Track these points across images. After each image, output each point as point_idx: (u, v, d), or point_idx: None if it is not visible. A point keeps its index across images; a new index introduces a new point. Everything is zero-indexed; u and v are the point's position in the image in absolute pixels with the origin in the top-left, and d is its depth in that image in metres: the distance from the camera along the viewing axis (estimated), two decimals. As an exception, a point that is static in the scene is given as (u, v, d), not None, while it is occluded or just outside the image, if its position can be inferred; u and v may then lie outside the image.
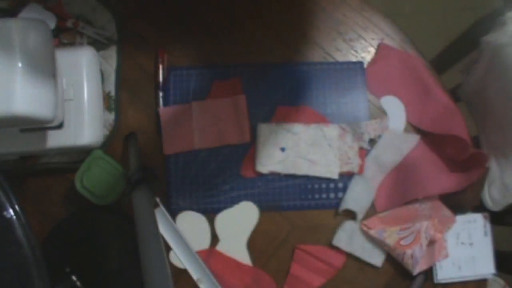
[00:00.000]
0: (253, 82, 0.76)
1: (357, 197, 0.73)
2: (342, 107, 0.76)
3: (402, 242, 0.70)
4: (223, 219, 0.73)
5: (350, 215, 0.73)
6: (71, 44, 0.76)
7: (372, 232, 0.71)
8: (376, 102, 0.76)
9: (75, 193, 0.69)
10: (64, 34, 0.76)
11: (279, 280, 0.73)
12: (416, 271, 0.70)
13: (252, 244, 0.73)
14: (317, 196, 0.74)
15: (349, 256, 0.73)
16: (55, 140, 0.69)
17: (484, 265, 0.73)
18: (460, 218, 0.73)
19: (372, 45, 0.78)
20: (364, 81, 0.76)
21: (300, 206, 0.74)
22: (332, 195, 0.74)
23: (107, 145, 0.74)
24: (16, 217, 0.47)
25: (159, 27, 0.78)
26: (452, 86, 0.90)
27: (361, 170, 0.73)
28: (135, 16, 0.78)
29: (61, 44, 0.76)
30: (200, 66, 0.77)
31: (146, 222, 0.54)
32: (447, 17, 1.63)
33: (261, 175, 0.74)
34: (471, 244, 0.73)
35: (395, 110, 0.76)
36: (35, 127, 0.67)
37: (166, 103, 0.76)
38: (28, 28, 0.56)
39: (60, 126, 0.68)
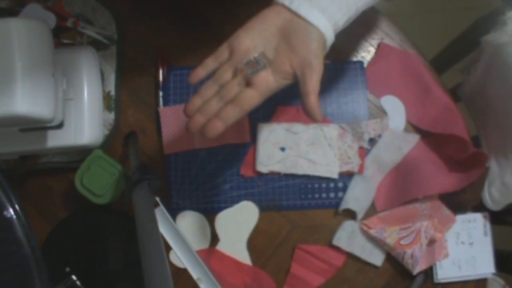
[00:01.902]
0: (253, 82, 0.76)
1: (357, 197, 0.73)
2: (342, 107, 0.76)
3: (402, 242, 0.70)
4: (223, 218, 0.73)
5: (350, 214, 0.73)
6: (71, 44, 0.76)
7: (372, 232, 0.71)
8: (376, 102, 0.76)
9: (75, 193, 0.69)
10: (64, 34, 0.76)
11: (279, 280, 0.73)
12: (416, 270, 0.70)
13: (252, 244, 0.73)
14: (317, 195, 0.74)
15: (349, 255, 0.73)
16: (55, 139, 0.69)
17: (484, 264, 0.73)
18: (460, 218, 0.73)
19: (372, 45, 0.78)
20: (364, 80, 0.76)
21: (300, 206, 0.74)
22: (332, 195, 0.74)
23: (107, 145, 0.74)
24: (16, 217, 0.47)
25: (159, 27, 0.78)
26: (452, 86, 0.90)
27: (361, 170, 0.73)
28: (135, 16, 0.78)
29: (61, 44, 0.76)
30: (200, 66, 0.77)
31: (146, 221, 0.54)
32: (447, 17, 1.63)
33: (261, 174, 0.74)
34: (471, 243, 0.73)
35: (395, 110, 0.76)
36: (35, 127, 0.67)
37: (166, 103, 0.76)
38: (28, 28, 0.56)
39: (60, 126, 0.68)
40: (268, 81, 0.51)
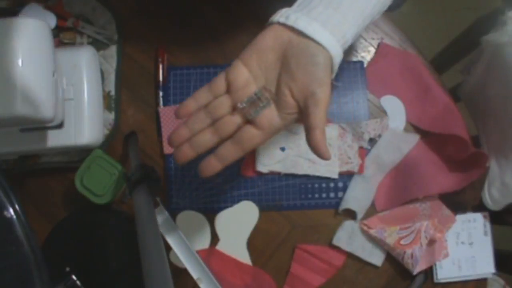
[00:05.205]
0: (253, 82, 0.76)
1: (357, 197, 0.73)
2: (342, 107, 0.76)
3: (402, 242, 0.70)
4: (223, 218, 0.73)
5: (350, 214, 0.73)
6: (71, 43, 0.76)
7: (372, 232, 0.71)
8: (376, 102, 0.76)
9: (75, 192, 0.69)
10: (64, 34, 0.76)
11: (279, 280, 0.73)
12: (416, 270, 0.70)
13: (252, 244, 0.73)
14: (317, 195, 0.74)
15: (349, 255, 0.73)
16: (55, 139, 0.69)
17: (484, 264, 0.73)
18: (460, 218, 0.73)
19: (372, 45, 0.78)
20: (364, 80, 0.76)
21: (300, 206, 0.74)
22: (332, 195, 0.74)
23: (107, 145, 0.74)
24: (16, 217, 0.47)
25: (159, 27, 0.78)
26: (452, 86, 0.90)
27: (361, 170, 0.73)
28: (135, 16, 0.78)
29: (61, 44, 0.76)
30: (200, 66, 0.77)
31: (146, 221, 0.54)
32: (447, 17, 1.63)
33: (261, 174, 0.74)
34: (471, 243, 0.73)
35: (395, 110, 0.76)
36: (35, 126, 0.67)
37: (166, 103, 0.76)
38: (28, 28, 0.56)
39: (60, 125, 0.68)
40: (272, 119, 0.44)
